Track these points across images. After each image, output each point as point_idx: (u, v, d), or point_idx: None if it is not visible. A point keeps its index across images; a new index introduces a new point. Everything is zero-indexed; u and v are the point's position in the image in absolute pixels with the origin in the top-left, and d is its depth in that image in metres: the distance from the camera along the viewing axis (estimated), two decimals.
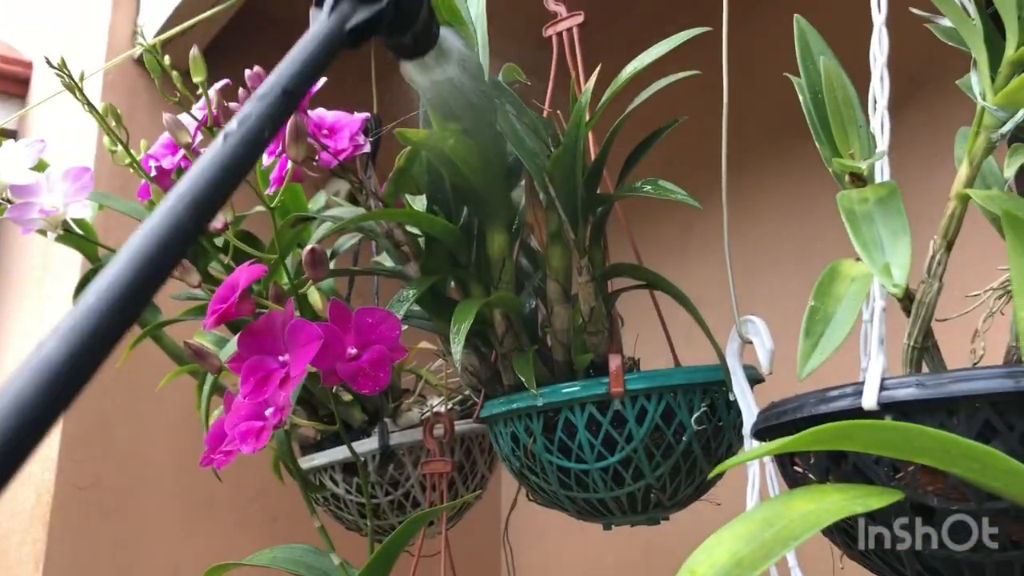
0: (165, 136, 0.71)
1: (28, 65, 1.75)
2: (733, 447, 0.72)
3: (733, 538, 0.34)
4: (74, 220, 0.74)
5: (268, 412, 0.62)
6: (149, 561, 1.17)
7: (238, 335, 0.59)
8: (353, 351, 0.61)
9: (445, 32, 0.46)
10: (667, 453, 0.68)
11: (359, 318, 0.61)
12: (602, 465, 0.68)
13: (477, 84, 0.56)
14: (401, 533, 0.68)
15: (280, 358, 0.58)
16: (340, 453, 0.94)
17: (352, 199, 0.79)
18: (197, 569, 1.21)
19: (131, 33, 1.31)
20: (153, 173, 0.68)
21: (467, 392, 1.06)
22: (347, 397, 0.94)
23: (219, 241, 0.78)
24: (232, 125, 0.32)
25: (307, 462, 1.00)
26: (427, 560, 0.82)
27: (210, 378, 0.95)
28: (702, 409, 0.69)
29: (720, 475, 0.73)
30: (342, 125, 0.65)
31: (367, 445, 0.94)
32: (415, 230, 0.70)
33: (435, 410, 0.92)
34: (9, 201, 0.72)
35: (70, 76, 0.70)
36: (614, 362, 0.67)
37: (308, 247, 0.55)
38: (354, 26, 0.37)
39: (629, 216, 0.69)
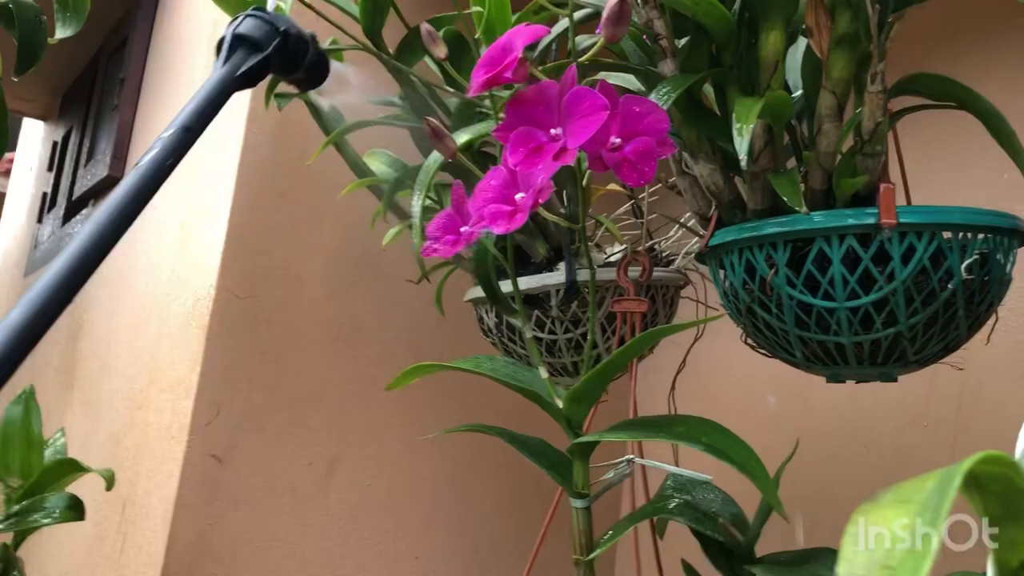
0: None
1: None
2: (994, 305, 0.65)
3: None
4: None
5: (519, 196, 0.57)
6: (296, 378, 1.17)
7: (507, 102, 0.53)
8: (616, 140, 0.55)
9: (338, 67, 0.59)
10: (928, 300, 0.61)
11: (626, 106, 0.55)
12: (852, 305, 0.62)
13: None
14: (622, 354, 0.63)
15: (552, 131, 0.52)
16: (527, 283, 0.90)
17: None
18: (340, 391, 1.21)
19: None
20: None
21: (652, 243, 1.00)
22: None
23: None
24: (144, 156, 0.46)
25: (475, 292, 0.97)
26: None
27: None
28: (974, 256, 0.61)
29: (967, 334, 0.67)
30: None
31: (551, 279, 0.90)
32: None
33: (634, 249, 0.87)
34: None
35: None
36: (887, 190, 0.60)
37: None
38: (243, 72, 0.49)
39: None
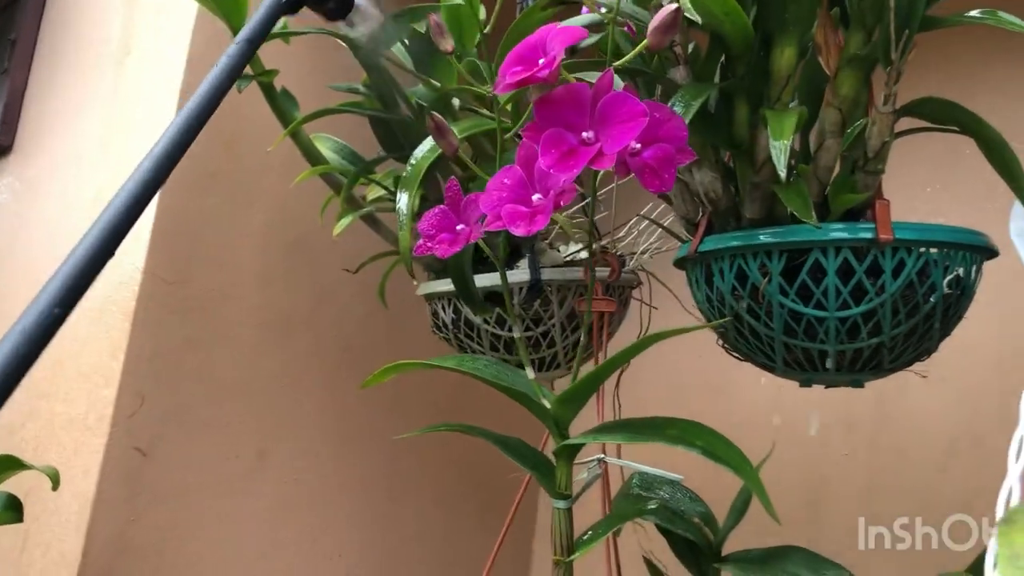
0: None
1: None
2: (961, 317, 0.69)
3: None
4: None
5: (536, 197, 0.56)
6: (224, 368, 1.12)
7: (535, 102, 0.52)
8: (636, 146, 0.55)
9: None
10: (912, 312, 0.65)
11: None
12: (843, 315, 0.64)
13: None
14: (618, 358, 0.63)
15: (584, 134, 0.51)
16: (488, 280, 0.89)
17: None
18: (269, 383, 1.17)
19: None
20: None
21: (602, 244, 1.01)
22: None
23: None
24: (221, 58, 0.49)
25: (434, 287, 0.95)
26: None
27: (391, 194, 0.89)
28: (955, 272, 0.65)
29: (937, 344, 0.71)
30: None
31: (514, 276, 0.89)
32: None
33: (601, 249, 0.87)
34: None
35: None
36: (883, 208, 0.63)
37: (668, 7, 0.48)
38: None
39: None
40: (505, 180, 0.57)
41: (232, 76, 0.48)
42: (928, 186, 1.15)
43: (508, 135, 0.60)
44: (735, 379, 1.38)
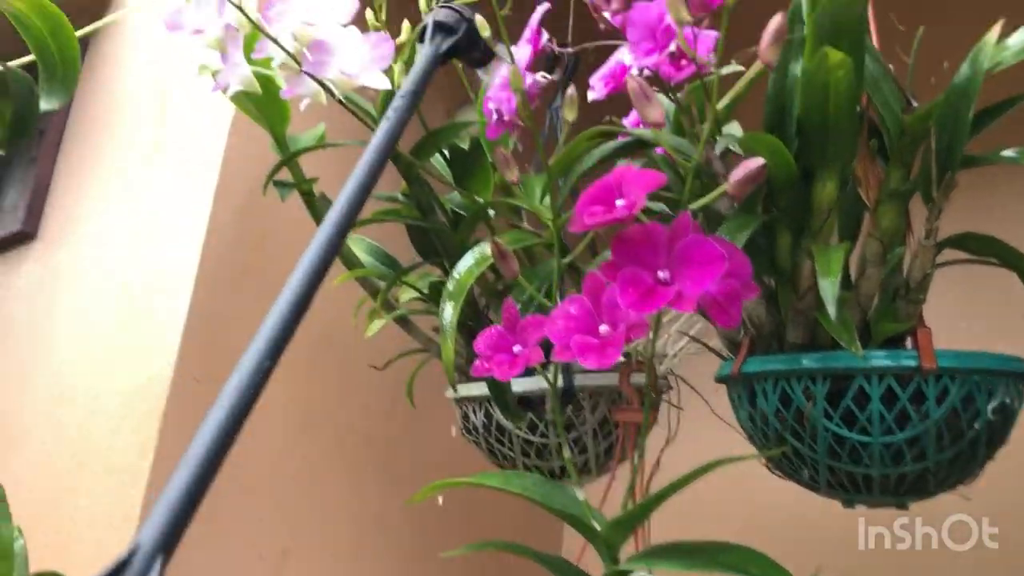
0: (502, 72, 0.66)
1: None
2: (1004, 441, 0.70)
3: None
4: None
5: (603, 329, 0.57)
6: (249, 466, 1.12)
7: (613, 240, 0.54)
8: None
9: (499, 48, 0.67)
10: (956, 438, 0.65)
11: None
12: (887, 440, 0.65)
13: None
14: (675, 487, 0.63)
15: (659, 274, 0.53)
16: (520, 386, 0.90)
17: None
18: (292, 480, 1.17)
19: None
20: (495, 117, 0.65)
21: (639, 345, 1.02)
22: None
23: None
24: (389, 112, 0.52)
25: (467, 390, 0.96)
26: None
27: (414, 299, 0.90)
28: (1000, 399, 0.66)
29: (981, 469, 0.71)
30: (701, 39, 0.60)
31: (540, 383, 0.90)
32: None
33: (636, 357, 0.88)
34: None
35: None
36: (925, 336, 0.64)
37: (754, 159, 0.50)
38: (445, 50, 0.60)
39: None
40: (571, 309, 0.58)
41: (402, 126, 0.53)
42: (968, 312, 1.17)
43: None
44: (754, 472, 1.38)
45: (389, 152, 0.51)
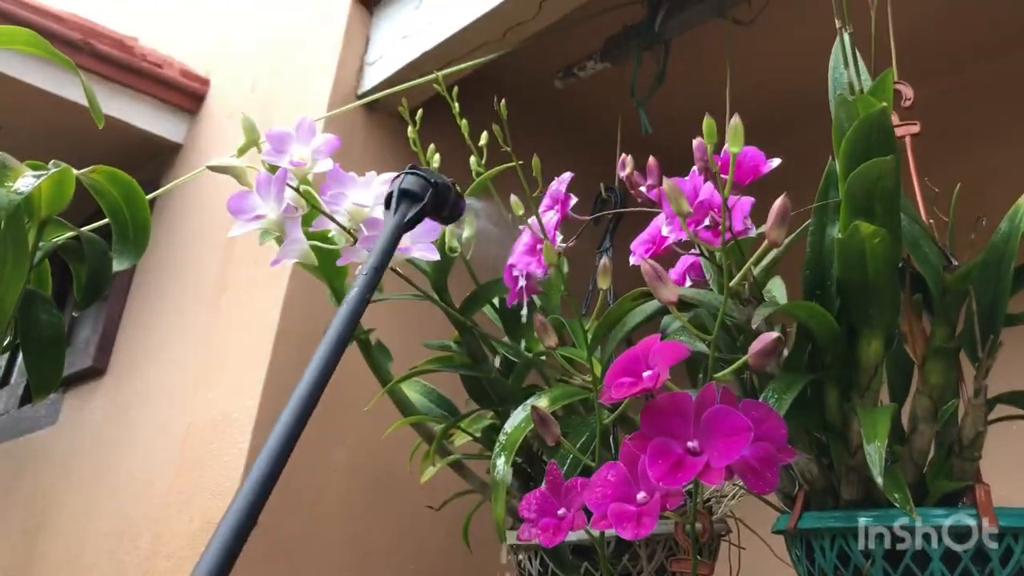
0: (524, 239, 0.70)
1: (205, 82, 1.76)
2: None
3: None
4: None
5: (641, 496, 0.58)
6: None
7: (643, 410, 0.55)
8: None
9: (470, 202, 0.73)
10: None
11: (744, 412, 0.57)
12: None
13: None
14: None
15: (689, 444, 0.54)
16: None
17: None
18: None
19: (356, 69, 1.31)
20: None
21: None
22: None
23: None
24: (353, 285, 0.54)
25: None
26: None
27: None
28: None
29: None
30: (738, 206, 0.62)
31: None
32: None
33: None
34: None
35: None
36: (984, 493, 0.63)
37: (769, 335, 0.51)
38: (410, 218, 0.61)
39: None
40: (609, 477, 0.59)
41: (365, 300, 0.53)
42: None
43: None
44: None
45: (353, 325, 0.52)
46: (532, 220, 0.66)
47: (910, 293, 0.66)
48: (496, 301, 0.93)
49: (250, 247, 1.33)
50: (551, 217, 0.67)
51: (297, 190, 0.64)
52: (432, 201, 0.63)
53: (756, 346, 0.52)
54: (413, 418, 0.96)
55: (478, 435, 1.00)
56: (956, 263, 0.62)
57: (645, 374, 0.55)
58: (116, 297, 1.73)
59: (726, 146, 0.55)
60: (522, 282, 0.68)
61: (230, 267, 1.35)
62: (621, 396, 0.55)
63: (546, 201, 0.70)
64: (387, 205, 0.63)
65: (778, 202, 0.52)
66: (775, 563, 0.89)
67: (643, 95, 1.24)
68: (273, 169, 0.67)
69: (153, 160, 1.75)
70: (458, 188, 0.69)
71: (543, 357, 0.92)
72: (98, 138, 1.25)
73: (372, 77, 1.27)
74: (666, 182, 0.54)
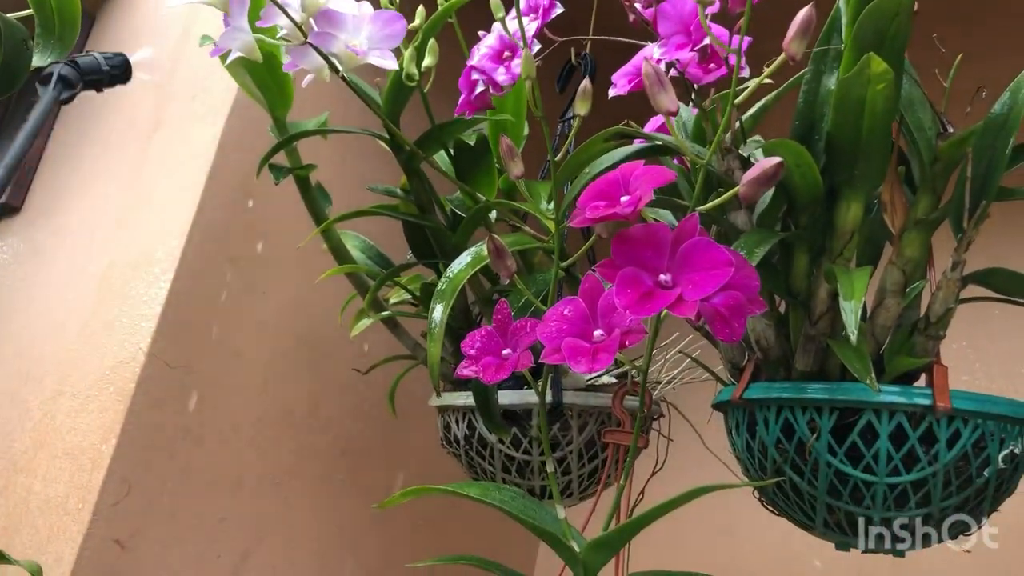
0: (490, 42, 0.63)
1: None
2: (1011, 491, 0.66)
3: None
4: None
5: (598, 333, 0.54)
6: (217, 462, 1.07)
7: (615, 238, 0.50)
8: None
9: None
10: (964, 485, 0.62)
11: None
12: (893, 481, 0.61)
13: None
14: (658, 511, 0.60)
15: (661, 277, 0.49)
16: (507, 398, 0.86)
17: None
18: (259, 481, 1.12)
19: None
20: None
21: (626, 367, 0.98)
22: None
23: None
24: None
25: (451, 399, 0.92)
26: None
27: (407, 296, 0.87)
28: (1010, 448, 0.62)
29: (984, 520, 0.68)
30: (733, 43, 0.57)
31: (527, 396, 0.87)
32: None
33: (631, 379, 0.84)
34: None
35: None
36: (942, 374, 0.61)
37: (770, 159, 0.47)
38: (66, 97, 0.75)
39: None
40: (566, 311, 0.55)
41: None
42: (984, 353, 1.14)
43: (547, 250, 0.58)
44: (742, 519, 1.34)
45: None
46: (501, 25, 0.60)
47: (895, 163, 0.62)
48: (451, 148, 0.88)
49: (189, 83, 1.24)
50: (528, 25, 0.61)
51: None
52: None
53: (753, 172, 0.48)
54: (348, 267, 0.91)
55: (417, 294, 0.95)
56: (952, 131, 0.58)
57: (623, 199, 0.51)
58: (40, 135, 1.62)
59: None
60: (480, 88, 0.62)
61: (166, 103, 1.26)
62: (595, 218, 0.50)
63: (523, 6, 0.64)
64: (43, 84, 0.74)
65: (803, 11, 0.47)
66: (702, 457, 0.87)
67: None
68: None
69: None
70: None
71: (493, 214, 0.87)
72: None
73: None
74: None
